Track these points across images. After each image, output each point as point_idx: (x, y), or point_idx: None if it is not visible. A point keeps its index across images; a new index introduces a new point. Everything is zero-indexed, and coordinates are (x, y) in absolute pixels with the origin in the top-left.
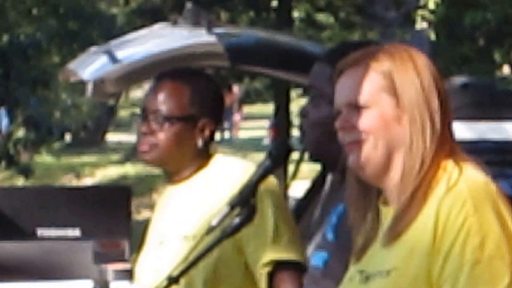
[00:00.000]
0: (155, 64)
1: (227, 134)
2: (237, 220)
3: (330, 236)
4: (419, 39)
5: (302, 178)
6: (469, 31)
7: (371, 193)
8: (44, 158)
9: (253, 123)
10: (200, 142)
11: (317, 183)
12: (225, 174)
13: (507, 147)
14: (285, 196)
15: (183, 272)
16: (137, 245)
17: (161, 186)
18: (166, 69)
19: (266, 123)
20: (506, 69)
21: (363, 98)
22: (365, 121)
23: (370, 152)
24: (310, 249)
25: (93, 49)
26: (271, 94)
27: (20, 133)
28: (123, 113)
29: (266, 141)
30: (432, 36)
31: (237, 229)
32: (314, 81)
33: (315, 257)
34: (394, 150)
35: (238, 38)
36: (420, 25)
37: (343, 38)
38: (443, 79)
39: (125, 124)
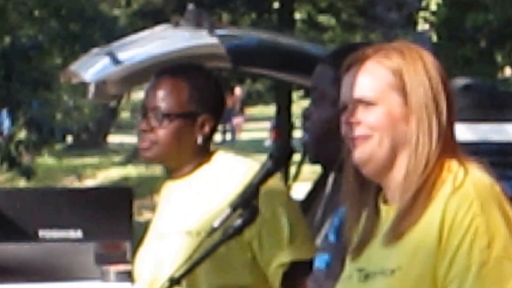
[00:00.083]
0: (157, 65)
1: (229, 136)
2: (239, 222)
3: (332, 238)
4: (421, 41)
5: (304, 180)
6: (470, 32)
7: (369, 190)
8: (46, 159)
9: (255, 124)
10: (200, 139)
11: (319, 185)
12: (227, 171)
13: (509, 148)
14: None
15: (184, 274)
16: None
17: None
18: (165, 66)
19: (268, 124)
20: (507, 71)
21: (371, 95)
22: (372, 117)
23: (375, 149)
24: None
25: (95, 50)
26: (273, 95)
27: (22, 134)
28: (124, 115)
29: (268, 143)
30: (434, 38)
31: (239, 230)
32: (317, 82)
33: (318, 259)
34: (399, 148)
35: (240, 40)
36: (422, 26)
37: (345, 40)
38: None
39: (127, 125)
